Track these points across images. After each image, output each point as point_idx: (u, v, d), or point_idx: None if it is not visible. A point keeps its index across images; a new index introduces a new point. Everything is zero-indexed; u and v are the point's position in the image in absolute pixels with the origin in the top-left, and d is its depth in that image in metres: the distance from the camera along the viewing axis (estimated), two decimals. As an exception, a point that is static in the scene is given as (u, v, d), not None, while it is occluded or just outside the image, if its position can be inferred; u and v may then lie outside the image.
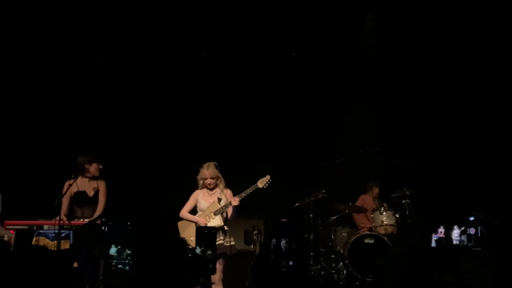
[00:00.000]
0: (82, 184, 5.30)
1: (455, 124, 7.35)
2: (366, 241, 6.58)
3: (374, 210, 7.03)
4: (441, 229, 4.23)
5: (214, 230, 4.31)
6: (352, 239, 6.63)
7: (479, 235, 4.27)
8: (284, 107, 7.71)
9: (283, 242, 4.40)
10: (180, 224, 5.23)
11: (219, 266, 5.00)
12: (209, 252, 4.11)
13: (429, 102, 7.48)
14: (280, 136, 7.72)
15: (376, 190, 7.26)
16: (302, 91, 7.68)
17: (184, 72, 7.49)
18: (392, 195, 6.89)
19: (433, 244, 4.29)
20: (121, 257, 4.04)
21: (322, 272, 6.77)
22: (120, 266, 4.00)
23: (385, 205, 6.86)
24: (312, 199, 6.93)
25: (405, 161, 6.77)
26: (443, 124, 7.45)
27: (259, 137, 7.69)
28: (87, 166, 5.32)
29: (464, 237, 4.30)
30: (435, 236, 4.18)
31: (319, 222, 7.08)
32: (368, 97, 7.62)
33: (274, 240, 4.43)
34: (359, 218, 7.23)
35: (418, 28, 6.92)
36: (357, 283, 6.40)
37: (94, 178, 5.40)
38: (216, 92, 7.58)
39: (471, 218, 4.28)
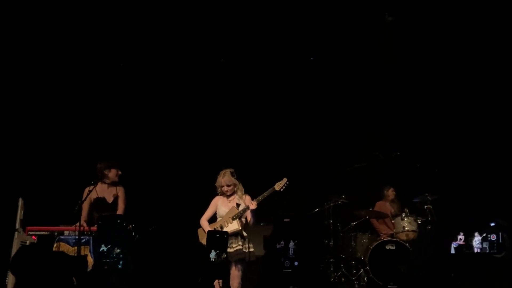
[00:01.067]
0: (101, 190, 5.34)
1: (478, 128, 7.19)
2: (387, 247, 6.46)
3: (395, 216, 6.91)
4: (461, 236, 4.11)
5: (226, 235, 4.27)
6: (373, 245, 6.52)
7: (500, 242, 4.14)
8: (304, 113, 7.67)
9: (291, 244, 4.34)
10: (200, 230, 5.23)
11: (238, 273, 4.98)
12: (223, 256, 4.06)
13: (451, 105, 7.34)
14: (300, 142, 7.67)
15: (392, 194, 7.13)
16: (322, 96, 7.63)
17: (206, 78, 7.52)
18: (414, 200, 6.77)
19: (453, 251, 4.17)
20: (115, 256, 4.06)
21: (343, 279, 6.69)
22: (113, 265, 4.00)
23: (407, 210, 6.73)
24: (331, 204, 6.88)
25: (427, 166, 6.64)
26: (466, 128, 7.29)
27: (280, 142, 7.65)
28: (106, 172, 5.37)
29: (485, 244, 4.17)
30: (455, 243, 4.05)
31: (339, 228, 7.01)
32: (388, 102, 7.52)
33: (282, 242, 4.37)
34: (379, 225, 7.12)
35: (436, 31, 6.80)
36: (378, 290, 6.28)
37: (113, 184, 5.45)
38: (236, 98, 7.59)
39: (492, 224, 4.15)
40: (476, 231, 4.20)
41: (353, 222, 6.94)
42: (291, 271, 4.24)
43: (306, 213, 7.09)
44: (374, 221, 7.12)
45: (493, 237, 4.19)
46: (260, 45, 7.16)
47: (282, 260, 4.29)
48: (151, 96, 7.40)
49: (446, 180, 6.67)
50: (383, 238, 6.65)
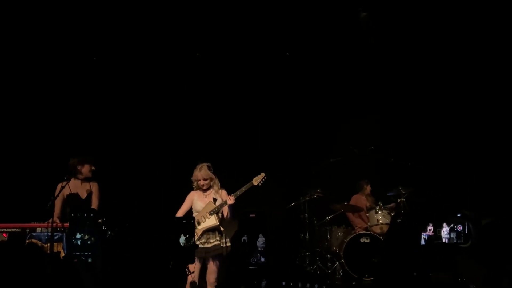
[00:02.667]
0: (74, 186, 5.25)
1: (450, 122, 7.35)
2: (362, 240, 6.56)
3: (369, 209, 7.02)
4: (430, 227, 4.23)
5: (192, 220, 4.27)
6: (348, 239, 6.61)
7: (466, 232, 4.27)
8: (280, 108, 7.69)
9: (260, 242, 4.34)
10: None
11: (215, 268, 4.98)
12: (190, 241, 4.06)
13: (423, 100, 7.47)
14: (276, 136, 7.69)
15: (367, 188, 7.24)
16: (298, 91, 7.65)
17: (180, 73, 7.44)
18: (388, 194, 6.88)
19: (423, 242, 4.28)
20: (84, 250, 4.01)
21: (318, 272, 6.74)
22: (82, 258, 3.95)
23: (381, 204, 6.85)
24: (307, 199, 6.93)
25: (400, 160, 6.76)
26: (438, 122, 7.44)
27: (256, 137, 7.65)
28: (79, 168, 5.28)
29: (453, 235, 4.30)
30: (425, 234, 4.17)
31: (315, 222, 7.07)
32: (363, 98, 7.60)
33: (245, 236, 4.38)
34: (354, 218, 7.22)
35: (412, 26, 6.90)
36: (353, 283, 6.36)
37: (87, 179, 5.36)
38: (212, 92, 7.54)
39: (459, 215, 4.28)
40: (444, 222, 4.31)
41: (328, 216, 7.01)
42: (257, 268, 4.24)
43: (282, 207, 7.12)
44: (349, 214, 7.21)
45: (459, 227, 4.32)
46: (236, 40, 7.13)
47: (248, 256, 4.29)
48: (124, 90, 7.27)
49: (419, 173, 6.79)
50: (358, 231, 6.74)
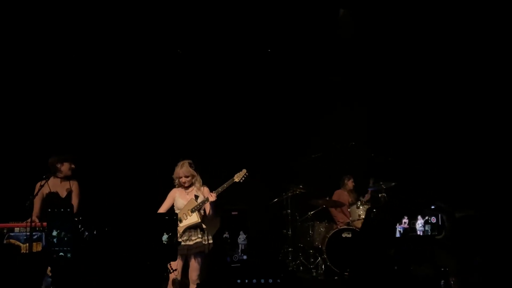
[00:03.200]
0: (54, 185, 5.18)
1: (431, 117, 7.44)
2: (343, 235, 6.62)
3: (351, 204, 7.09)
4: (405, 220, 4.29)
5: (175, 217, 4.24)
6: (330, 234, 6.67)
7: (440, 224, 4.35)
8: (261, 104, 7.69)
9: (241, 239, 4.37)
10: None
11: (197, 265, 4.96)
12: (172, 238, 4.04)
13: (403, 96, 7.55)
14: (257, 132, 7.70)
15: (350, 184, 7.31)
16: (278, 87, 7.67)
17: (162, 70, 7.37)
18: (369, 189, 6.95)
19: (398, 235, 4.35)
20: (62, 246, 3.96)
21: (301, 268, 6.79)
22: (61, 254, 3.90)
23: (362, 199, 6.93)
24: (289, 194, 6.96)
25: (381, 155, 6.83)
26: (417, 117, 7.53)
27: (237, 134, 7.65)
28: (58, 166, 5.21)
29: (427, 227, 4.37)
30: (400, 227, 4.23)
31: (297, 218, 7.11)
32: (344, 93, 7.66)
33: (226, 233, 4.39)
34: (337, 213, 7.28)
35: (393, 22, 6.96)
36: (335, 278, 6.43)
37: (66, 178, 5.30)
38: (194, 89, 7.50)
39: (432, 207, 4.36)
40: (419, 215, 4.38)
41: (310, 212, 7.05)
42: (240, 265, 4.25)
43: (265, 203, 7.14)
44: (332, 210, 7.27)
45: (433, 219, 4.39)
46: (217, 36, 7.10)
47: (230, 254, 4.30)
48: (106, 88, 7.18)
49: (399, 168, 6.88)
50: (340, 226, 6.80)
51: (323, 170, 7.44)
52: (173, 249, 4.16)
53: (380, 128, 7.56)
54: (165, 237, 4.00)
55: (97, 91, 7.14)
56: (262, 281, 3.57)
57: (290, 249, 6.87)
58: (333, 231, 6.68)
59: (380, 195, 6.67)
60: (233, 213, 4.57)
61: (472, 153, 7.01)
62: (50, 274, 4.50)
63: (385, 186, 6.64)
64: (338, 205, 7.14)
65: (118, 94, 7.23)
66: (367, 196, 6.99)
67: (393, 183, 6.66)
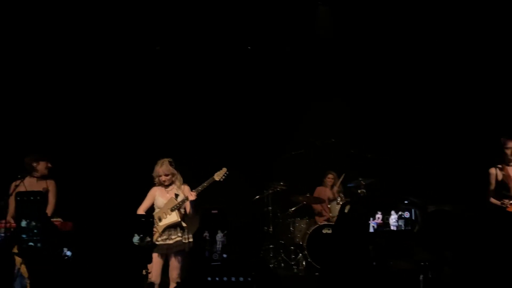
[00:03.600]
0: (30, 184, 5.07)
1: (408, 114, 7.53)
2: (324, 231, 6.66)
3: (331, 200, 7.13)
4: (379, 215, 4.34)
5: (151, 218, 4.20)
6: (311, 230, 6.70)
7: (413, 218, 4.41)
8: (242, 102, 7.67)
9: (219, 236, 4.34)
10: None
11: (177, 264, 4.94)
12: (147, 240, 4.00)
13: (382, 92, 7.62)
14: (238, 130, 7.68)
15: (329, 180, 7.34)
16: (259, 84, 7.65)
17: (141, 67, 7.28)
18: (348, 185, 7.00)
19: (371, 230, 4.39)
20: (32, 234, 3.87)
21: (282, 264, 6.82)
22: (31, 243, 3.81)
23: (342, 195, 6.97)
24: (271, 191, 6.97)
25: (360, 151, 6.89)
26: (397, 114, 7.61)
27: (218, 131, 7.61)
28: (34, 165, 5.11)
29: (400, 222, 4.43)
30: (373, 222, 4.27)
31: (278, 215, 7.13)
32: (324, 89, 7.68)
33: (207, 233, 4.36)
34: (319, 209, 7.30)
35: (372, 19, 7.00)
36: (316, 273, 6.46)
37: (43, 177, 5.20)
38: (173, 87, 7.44)
39: (406, 202, 4.42)
40: (392, 210, 4.42)
41: (291, 208, 7.07)
42: (220, 264, 4.23)
43: (247, 201, 7.14)
44: (315, 206, 7.29)
45: (406, 214, 4.44)
46: (195, 33, 7.04)
47: (209, 252, 4.27)
48: (82, 85, 7.05)
49: (378, 164, 6.94)
50: (320, 222, 6.84)
51: (304, 166, 7.46)
52: (148, 252, 4.12)
53: (360, 125, 7.61)
54: (136, 238, 3.94)
55: (76, 88, 7.02)
56: (233, 279, 3.56)
57: (271, 246, 6.88)
58: (314, 228, 6.72)
59: (359, 191, 6.72)
60: (213, 211, 4.52)
61: (453, 150, 7.12)
62: (26, 276, 4.41)
63: (365, 182, 6.69)
64: (319, 201, 7.17)
65: (98, 92, 7.12)
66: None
67: (372, 179, 6.71)
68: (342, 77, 7.55)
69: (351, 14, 6.91)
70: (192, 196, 4.92)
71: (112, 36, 6.84)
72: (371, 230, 4.33)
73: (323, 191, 7.28)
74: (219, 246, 4.28)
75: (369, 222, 4.34)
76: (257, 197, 7.04)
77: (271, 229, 6.95)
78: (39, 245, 3.74)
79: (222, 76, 7.51)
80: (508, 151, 5.21)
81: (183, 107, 7.49)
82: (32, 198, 3.82)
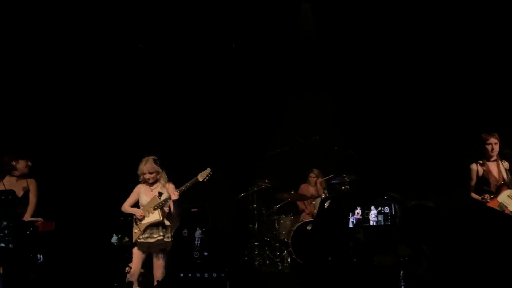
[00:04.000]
0: (10, 183, 5.03)
1: (393, 111, 7.57)
2: (308, 227, 6.67)
3: (316, 197, 7.15)
4: (358, 211, 4.38)
5: (130, 218, 4.18)
6: (295, 227, 6.72)
7: (393, 213, 4.45)
8: (226, 99, 7.65)
9: (198, 233, 4.34)
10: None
11: (160, 262, 4.92)
12: (126, 239, 3.99)
13: (368, 89, 7.65)
14: (223, 128, 7.66)
15: (313, 177, 7.35)
16: (243, 81, 7.64)
17: (123, 66, 7.21)
18: (332, 182, 7.02)
19: (351, 225, 4.42)
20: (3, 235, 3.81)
21: (267, 261, 6.82)
22: (2, 244, 3.77)
23: (326, 192, 6.99)
24: (256, 189, 6.97)
25: (344, 148, 6.92)
26: (381, 110, 7.65)
27: (203, 129, 7.59)
28: (14, 163, 5.06)
29: (380, 217, 4.46)
30: (353, 218, 4.30)
31: (263, 212, 7.14)
32: (308, 87, 7.69)
33: (185, 230, 4.36)
34: (304, 206, 7.31)
35: (355, 15, 7.01)
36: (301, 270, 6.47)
37: (23, 176, 5.14)
38: (157, 85, 7.39)
39: (385, 197, 4.46)
40: (372, 205, 4.46)
41: (276, 205, 7.08)
42: (201, 262, 4.23)
43: (232, 198, 7.13)
44: (299, 203, 7.30)
45: (386, 209, 4.48)
46: (174, 31, 6.99)
47: (192, 251, 4.26)
48: (63, 83, 6.97)
49: (362, 161, 6.98)
50: (305, 219, 6.85)
51: (289, 164, 7.47)
52: (127, 251, 4.10)
53: (344, 122, 7.64)
54: (114, 238, 3.92)
55: (57, 86, 6.93)
56: (206, 275, 3.56)
57: (256, 243, 6.88)
58: (298, 224, 6.74)
59: (343, 187, 6.74)
60: (192, 210, 4.53)
61: (435, 146, 7.18)
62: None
63: (348, 179, 6.72)
64: (303, 198, 7.19)
65: (80, 89, 7.04)
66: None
67: (356, 176, 6.75)
68: (326, 74, 7.57)
69: (334, 10, 6.91)
70: (175, 195, 4.91)
71: (93, 33, 6.77)
72: (350, 225, 4.36)
73: (306, 188, 7.30)
74: (197, 242, 4.29)
75: (349, 217, 4.37)
76: (242, 194, 7.04)
77: (256, 227, 6.95)
78: (10, 246, 3.69)
79: (207, 74, 7.48)
80: (489, 147, 5.26)
81: (169, 105, 7.45)
82: (3, 197, 3.76)
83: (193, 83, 7.46)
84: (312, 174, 7.31)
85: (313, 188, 7.30)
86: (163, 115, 7.41)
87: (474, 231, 3.11)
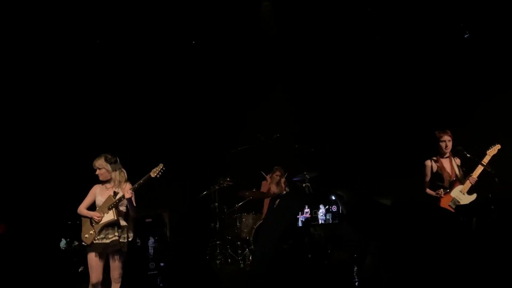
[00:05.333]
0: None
1: (352, 109, 7.67)
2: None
3: (279, 195, 7.15)
4: (307, 209, 4.43)
5: (78, 221, 4.09)
6: (257, 225, 6.72)
7: (340, 212, 4.53)
8: (187, 97, 7.59)
9: (150, 242, 4.29)
10: (82, 220, 4.96)
11: (116, 263, 4.82)
12: (75, 244, 3.90)
13: (328, 88, 7.72)
14: (185, 126, 7.59)
15: (275, 176, 7.37)
16: (204, 80, 7.59)
17: (81, 62, 7.05)
18: (293, 179, 7.05)
19: (300, 224, 4.48)
20: None
21: (229, 260, 6.81)
22: None
23: (287, 189, 7.02)
24: (217, 187, 6.94)
25: (305, 146, 6.96)
26: (340, 109, 7.74)
27: (164, 128, 7.50)
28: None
29: (328, 216, 4.54)
30: (302, 216, 4.35)
31: (225, 210, 7.11)
32: (269, 85, 7.72)
33: (138, 240, 4.30)
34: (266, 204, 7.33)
35: (314, 14, 7.05)
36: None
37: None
38: (115, 82, 7.25)
39: (333, 197, 4.53)
40: (320, 204, 4.52)
41: (238, 204, 7.07)
42: (157, 273, 4.17)
43: (193, 197, 7.08)
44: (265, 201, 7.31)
45: (334, 208, 4.56)
46: (135, 28, 6.88)
47: (146, 261, 4.20)
48: (13, 82, 6.75)
49: (322, 158, 7.05)
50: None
51: (251, 162, 7.47)
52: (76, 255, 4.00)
53: (305, 120, 7.70)
54: (63, 243, 3.83)
55: (6, 86, 6.71)
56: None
57: (218, 242, 6.86)
58: (260, 222, 6.74)
59: (304, 185, 6.78)
60: (146, 220, 4.47)
61: (392, 143, 7.32)
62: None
63: (309, 176, 6.76)
64: (265, 196, 7.19)
65: (31, 88, 6.84)
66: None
67: (316, 173, 6.79)
68: (287, 72, 7.60)
69: (294, 9, 6.93)
70: (128, 194, 4.81)
71: (49, 29, 6.58)
72: (299, 224, 4.40)
73: (268, 186, 7.30)
74: (151, 251, 4.23)
75: (297, 215, 4.41)
76: (204, 193, 7.00)
77: (217, 225, 6.92)
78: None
79: (168, 72, 7.40)
80: (443, 144, 5.39)
81: (129, 103, 7.34)
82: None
83: (154, 81, 7.36)
84: (277, 173, 7.32)
85: (275, 186, 7.31)
86: (128, 114, 7.28)
87: (417, 228, 3.18)
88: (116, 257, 4.80)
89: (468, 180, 5.26)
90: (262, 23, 6.93)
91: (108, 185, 4.98)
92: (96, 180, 4.98)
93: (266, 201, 7.29)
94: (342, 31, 7.14)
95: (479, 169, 5.25)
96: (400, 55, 7.18)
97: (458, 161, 5.47)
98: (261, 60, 7.49)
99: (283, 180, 7.30)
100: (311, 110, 7.64)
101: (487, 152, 5.29)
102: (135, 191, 4.85)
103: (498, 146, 5.30)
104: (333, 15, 6.91)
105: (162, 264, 4.25)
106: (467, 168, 5.35)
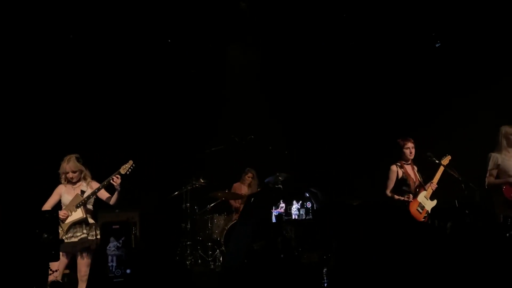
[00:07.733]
0: None
1: (322, 111, 7.75)
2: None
3: (251, 197, 7.17)
4: (282, 205, 4.48)
5: (55, 213, 4.01)
6: (228, 226, 6.71)
7: (314, 209, 4.58)
8: (161, 96, 7.52)
9: (111, 246, 4.23)
10: None
11: (84, 261, 4.76)
12: (50, 237, 3.80)
13: (303, 89, 7.78)
14: (157, 126, 7.52)
15: (247, 177, 7.38)
16: (178, 78, 7.55)
17: (49, 60, 6.87)
18: (266, 181, 7.07)
19: (274, 220, 4.51)
20: None
21: (199, 261, 6.77)
22: None
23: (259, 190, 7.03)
24: (189, 188, 6.89)
25: (278, 148, 7.00)
26: (315, 112, 7.81)
27: (137, 128, 7.41)
28: None
29: (302, 211, 4.59)
30: (275, 211, 4.38)
31: (196, 211, 7.07)
32: (245, 85, 7.72)
33: (110, 246, 4.25)
34: (237, 206, 7.31)
35: (290, 14, 7.08)
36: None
37: None
38: (86, 79, 7.11)
39: (306, 194, 4.59)
40: (294, 200, 4.56)
41: (209, 204, 7.04)
42: (123, 280, 4.12)
43: (164, 197, 7.01)
44: (232, 202, 7.29)
45: (308, 204, 4.60)
46: (113, 24, 6.77)
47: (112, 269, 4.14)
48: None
49: (294, 160, 7.10)
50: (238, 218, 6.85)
51: (224, 163, 7.45)
52: (54, 249, 3.91)
53: (280, 122, 7.73)
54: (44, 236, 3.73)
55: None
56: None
57: (188, 242, 6.80)
58: (232, 223, 6.73)
59: (277, 186, 6.79)
60: (114, 227, 4.41)
61: (361, 147, 7.42)
62: None
63: (282, 178, 6.78)
64: (237, 197, 7.19)
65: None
66: None
67: (288, 175, 6.83)
68: (263, 72, 7.63)
69: (271, 9, 6.96)
70: (117, 180, 4.75)
71: (19, 24, 6.41)
72: (273, 219, 4.43)
73: (239, 188, 7.31)
74: (112, 258, 4.16)
75: (271, 212, 4.43)
76: (175, 193, 6.94)
77: (188, 226, 6.88)
78: None
79: (140, 70, 7.31)
80: (407, 151, 5.45)
81: (99, 101, 7.21)
82: None
83: (125, 78, 7.26)
84: (250, 174, 7.32)
85: (246, 187, 7.32)
86: (97, 112, 7.15)
87: (377, 228, 3.22)
88: (84, 254, 4.75)
89: (430, 187, 5.38)
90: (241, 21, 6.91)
91: (74, 184, 4.91)
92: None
93: (233, 202, 7.26)
94: (316, 35, 7.20)
95: (438, 175, 5.38)
96: (374, 61, 7.30)
97: (415, 168, 5.58)
98: (237, 59, 7.49)
99: (255, 181, 7.31)
100: (286, 111, 7.68)
101: (442, 161, 5.41)
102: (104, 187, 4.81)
103: (448, 157, 5.46)
104: (308, 18, 6.96)
105: (128, 271, 4.19)
106: (427, 175, 5.46)
